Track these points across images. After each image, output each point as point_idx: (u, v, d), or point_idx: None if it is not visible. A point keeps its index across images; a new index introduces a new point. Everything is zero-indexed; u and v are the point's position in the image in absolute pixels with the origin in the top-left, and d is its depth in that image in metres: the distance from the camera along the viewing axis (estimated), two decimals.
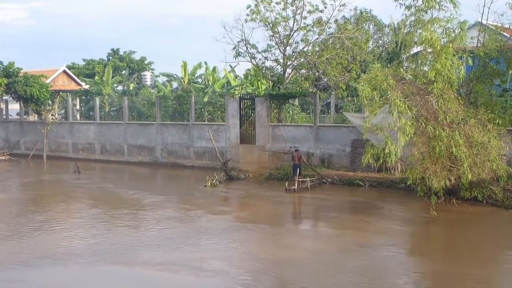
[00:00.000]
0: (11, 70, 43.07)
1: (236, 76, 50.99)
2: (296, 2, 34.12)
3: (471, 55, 26.90)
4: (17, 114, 49.06)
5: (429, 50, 25.07)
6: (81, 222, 21.96)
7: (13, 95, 44.19)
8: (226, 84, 48.33)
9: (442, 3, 25.05)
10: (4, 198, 27.71)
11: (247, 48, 35.69)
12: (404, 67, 34.34)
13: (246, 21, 34.63)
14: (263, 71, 36.83)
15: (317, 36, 35.14)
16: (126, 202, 26.07)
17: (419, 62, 27.24)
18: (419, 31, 26.08)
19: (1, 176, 35.33)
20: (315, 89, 36.47)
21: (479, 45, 26.76)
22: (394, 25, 41.92)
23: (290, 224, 23.03)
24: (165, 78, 56.28)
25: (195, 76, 52.75)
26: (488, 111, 24.23)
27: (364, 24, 40.48)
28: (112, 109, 49.06)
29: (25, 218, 22.72)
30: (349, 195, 27.25)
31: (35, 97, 42.60)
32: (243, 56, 36.01)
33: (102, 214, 23.83)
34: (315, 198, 26.77)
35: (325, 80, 35.82)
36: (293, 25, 34.59)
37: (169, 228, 20.69)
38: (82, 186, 30.70)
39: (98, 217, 23.04)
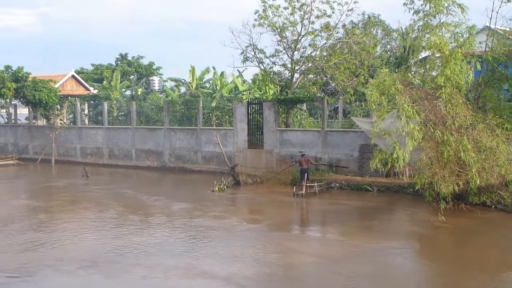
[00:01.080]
0: (20, 74, 43.25)
1: (244, 81, 51.04)
2: (304, 7, 34.09)
3: (480, 59, 26.83)
4: (26, 118, 49.25)
5: (438, 55, 25.03)
6: (121, 230, 21.20)
7: (22, 99, 44.39)
8: (234, 89, 48.43)
9: (450, 7, 25.09)
10: (27, 205, 27.08)
11: (255, 53, 35.68)
12: (412, 72, 34.33)
13: (254, 26, 34.62)
14: (271, 76, 36.81)
15: (325, 41, 35.10)
16: (155, 209, 25.73)
17: (427, 67, 27.21)
18: (427, 36, 26.10)
19: (15, 182, 35.60)
20: (323, 94, 36.41)
21: (487, 49, 26.71)
22: (402, 30, 41.86)
23: (317, 232, 22.64)
24: (173, 83, 56.43)
25: (203, 81, 52.87)
26: (497, 116, 24.15)
27: (372, 29, 40.43)
28: (120, 113, 49.21)
29: (59, 226, 22.19)
30: (358, 200, 27.16)
31: (44, 102, 42.77)
32: (251, 61, 36.01)
33: (139, 222, 22.93)
34: (325, 204, 26.71)
35: (333, 85, 35.78)
36: (301, 30, 34.57)
37: (216, 238, 19.99)
38: (102, 192, 30.38)
39: (137, 225, 22.27)
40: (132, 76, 61.28)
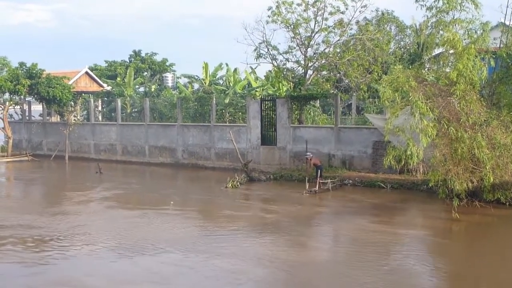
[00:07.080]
0: (34, 71, 43.46)
1: (257, 78, 51.03)
2: (317, 3, 34.05)
3: (494, 56, 26.66)
4: (40, 115, 49.49)
5: (451, 51, 24.92)
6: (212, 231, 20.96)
7: (36, 96, 44.56)
8: (247, 86, 48.42)
9: (463, 4, 24.92)
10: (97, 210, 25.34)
11: (268, 50, 35.69)
12: (426, 69, 34.18)
13: (267, 22, 34.65)
14: (284, 73, 36.79)
15: (338, 38, 35.06)
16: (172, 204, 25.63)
17: (441, 63, 27.10)
18: (441, 32, 25.96)
19: (40, 178, 35.89)
20: (336, 90, 36.39)
21: (501, 46, 26.55)
22: (415, 26, 41.69)
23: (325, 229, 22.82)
24: (186, 80, 56.48)
25: (216, 77, 52.90)
26: (511, 113, 24.02)
27: (386, 25, 40.27)
28: (133, 110, 49.39)
29: (129, 231, 20.90)
30: (371, 197, 27.08)
31: (58, 98, 42.97)
32: (264, 58, 36.02)
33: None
34: (338, 200, 26.64)
35: (346, 81, 35.70)
36: (314, 26, 34.53)
37: (229, 235, 19.94)
38: (146, 189, 30.42)
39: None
40: (146, 73, 61.41)
